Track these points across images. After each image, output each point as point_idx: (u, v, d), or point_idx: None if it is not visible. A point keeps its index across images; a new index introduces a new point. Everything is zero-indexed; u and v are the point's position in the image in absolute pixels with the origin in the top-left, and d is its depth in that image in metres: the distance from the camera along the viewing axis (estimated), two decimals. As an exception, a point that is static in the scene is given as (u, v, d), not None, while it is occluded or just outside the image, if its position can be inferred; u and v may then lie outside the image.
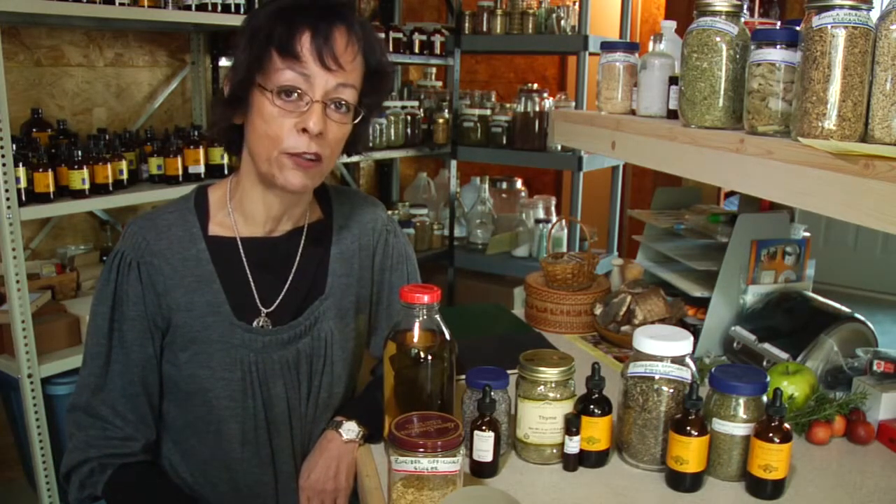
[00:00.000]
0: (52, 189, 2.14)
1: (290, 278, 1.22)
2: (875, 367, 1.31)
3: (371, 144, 3.33)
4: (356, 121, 1.16)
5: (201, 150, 2.55)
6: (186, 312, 1.16)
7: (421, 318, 1.10)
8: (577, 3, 3.31)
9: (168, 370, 1.19)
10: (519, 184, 3.94)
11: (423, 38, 3.71)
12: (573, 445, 1.14)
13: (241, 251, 1.20)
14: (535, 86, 3.57)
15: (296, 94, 1.08)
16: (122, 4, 2.28)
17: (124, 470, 1.16)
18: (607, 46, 1.62)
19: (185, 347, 1.16)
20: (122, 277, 1.15)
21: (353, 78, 1.12)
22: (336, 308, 1.25)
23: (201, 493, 1.22)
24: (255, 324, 1.19)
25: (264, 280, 1.21)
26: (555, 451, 1.16)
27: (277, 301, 1.21)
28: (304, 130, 1.08)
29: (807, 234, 1.68)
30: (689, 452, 1.08)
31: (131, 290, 1.15)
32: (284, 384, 1.21)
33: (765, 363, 1.42)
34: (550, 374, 1.14)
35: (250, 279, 1.20)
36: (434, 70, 4.09)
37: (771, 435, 1.06)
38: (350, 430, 1.21)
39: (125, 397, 1.16)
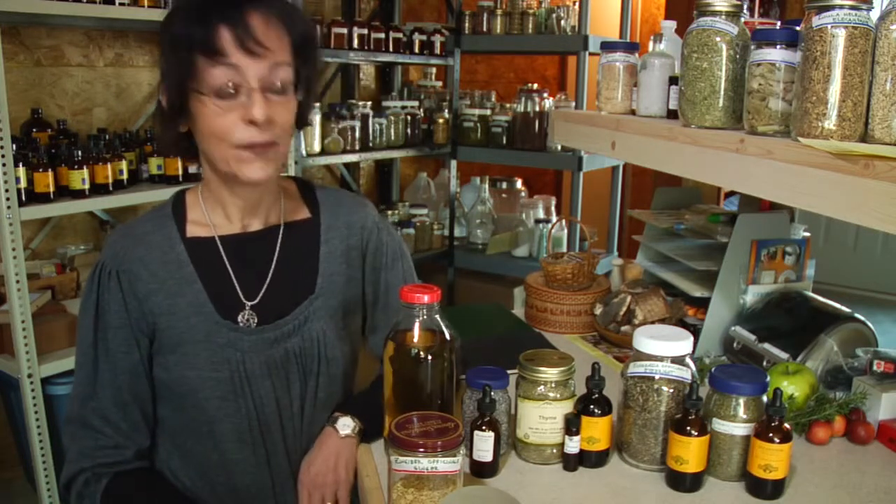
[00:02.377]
0: (52, 189, 2.14)
1: (272, 272, 1.22)
2: (875, 367, 1.31)
3: (371, 144, 3.33)
4: (298, 96, 1.14)
5: (201, 150, 2.54)
6: (169, 316, 1.16)
7: (421, 318, 1.10)
8: (577, 3, 3.31)
9: (159, 374, 1.19)
10: (519, 184, 3.94)
11: (423, 38, 3.71)
12: (573, 445, 1.14)
13: (220, 248, 1.20)
14: (535, 86, 3.57)
15: (232, 89, 1.08)
16: (122, 4, 2.28)
17: (120, 478, 1.16)
18: (607, 46, 1.62)
19: (172, 350, 1.17)
20: (102, 287, 1.16)
21: (282, 56, 1.10)
22: (327, 308, 1.25)
23: (200, 495, 1.22)
24: (240, 318, 1.19)
25: (245, 274, 1.21)
26: (555, 451, 1.16)
27: (260, 294, 1.21)
28: (252, 122, 1.08)
29: (807, 234, 1.68)
30: (689, 452, 1.08)
31: (112, 299, 1.15)
32: (272, 384, 1.20)
33: (765, 363, 1.42)
34: (550, 374, 1.14)
35: (231, 274, 1.20)
36: (434, 70, 4.09)
37: (771, 435, 1.06)
38: (345, 425, 1.22)
39: (115, 406, 1.16)
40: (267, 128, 1.09)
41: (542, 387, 1.15)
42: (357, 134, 3.22)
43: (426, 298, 1.09)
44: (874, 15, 0.94)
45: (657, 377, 1.13)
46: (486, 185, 3.73)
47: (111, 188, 2.30)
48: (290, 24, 1.12)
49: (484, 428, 1.10)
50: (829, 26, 0.94)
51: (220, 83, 1.07)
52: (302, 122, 1.23)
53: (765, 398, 1.11)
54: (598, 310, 1.74)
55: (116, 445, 1.16)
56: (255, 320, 1.20)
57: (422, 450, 0.95)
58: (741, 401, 1.11)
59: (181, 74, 1.09)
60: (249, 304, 1.20)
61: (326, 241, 1.27)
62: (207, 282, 1.18)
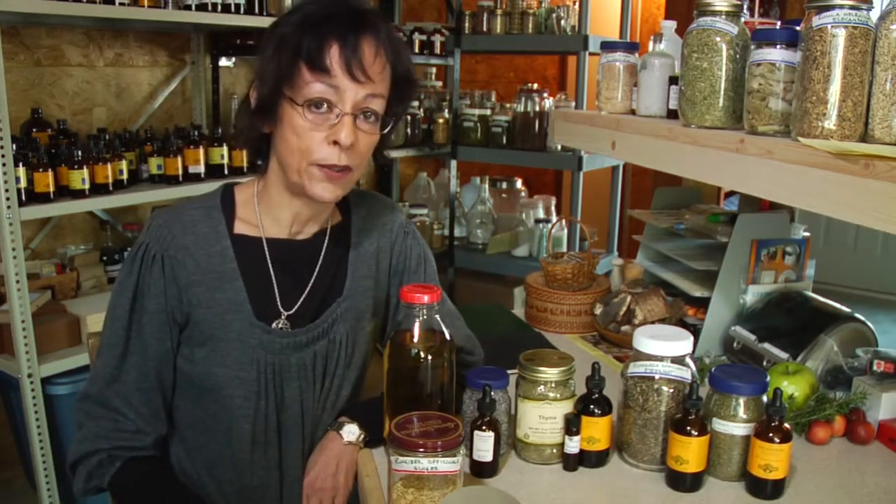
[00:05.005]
0: (52, 189, 2.14)
1: (312, 282, 1.23)
2: (875, 367, 1.31)
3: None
4: (385, 131, 1.16)
5: (201, 150, 2.54)
6: (206, 309, 1.16)
7: (421, 318, 1.10)
8: (577, 3, 3.31)
9: (182, 365, 1.19)
10: (519, 184, 3.94)
11: (423, 38, 3.71)
12: (573, 445, 1.14)
13: (266, 251, 1.20)
14: (535, 86, 3.56)
15: (325, 106, 1.09)
16: (122, 4, 2.28)
17: (133, 464, 1.16)
18: (607, 46, 1.62)
19: (202, 344, 1.17)
20: (144, 270, 1.15)
21: (381, 88, 1.12)
22: (353, 310, 1.25)
23: (206, 491, 1.22)
24: (274, 325, 1.19)
25: (286, 282, 1.21)
26: (555, 451, 1.16)
27: (298, 304, 1.22)
28: (335, 143, 1.09)
29: (807, 234, 1.68)
30: (689, 452, 1.08)
31: (153, 283, 1.15)
32: (300, 386, 1.21)
33: (765, 363, 1.42)
34: (550, 374, 1.14)
35: (273, 280, 1.20)
36: (434, 70, 4.08)
37: (771, 435, 1.06)
38: (351, 432, 1.21)
39: (139, 390, 1.16)
40: (347, 152, 1.10)
41: (542, 387, 1.15)
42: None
43: (426, 298, 1.09)
44: (874, 15, 0.94)
45: (657, 377, 1.13)
46: (486, 185, 3.73)
47: (111, 188, 2.29)
48: (396, 60, 1.14)
49: (484, 428, 1.10)
50: (829, 26, 0.94)
51: (316, 97, 1.08)
52: (379, 154, 1.24)
53: (765, 398, 1.11)
54: (598, 310, 1.74)
55: (137, 430, 1.16)
56: (289, 325, 1.20)
57: (422, 450, 0.95)
58: (741, 401, 1.11)
59: (280, 77, 1.09)
60: (286, 313, 1.20)
61: (357, 244, 1.28)
62: (248, 281, 1.18)
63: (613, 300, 1.73)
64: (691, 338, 1.15)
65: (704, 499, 1.10)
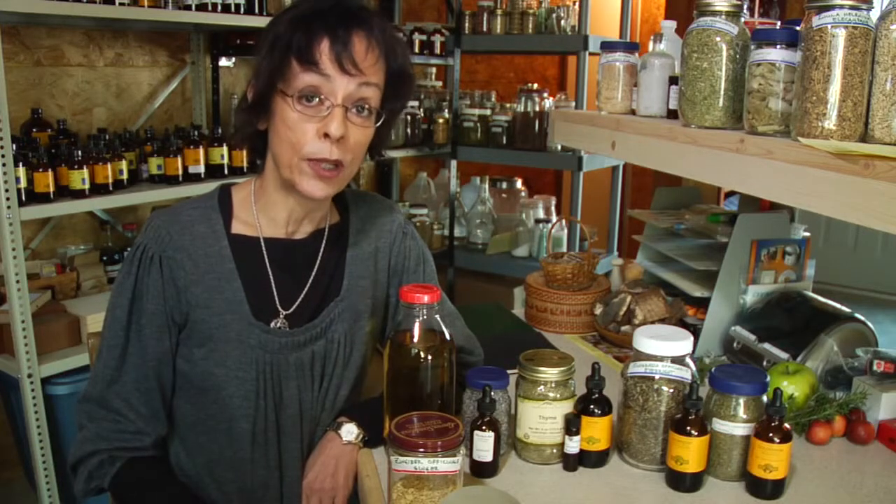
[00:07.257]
0: (52, 189, 2.14)
1: (310, 281, 1.23)
2: (875, 367, 1.31)
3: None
4: (378, 124, 1.16)
5: (201, 150, 2.54)
6: (205, 309, 1.16)
7: (421, 318, 1.10)
8: (577, 3, 3.31)
9: (181, 365, 1.19)
10: (519, 184, 3.94)
11: (423, 38, 3.70)
12: (573, 445, 1.14)
13: (264, 251, 1.21)
14: (535, 86, 3.57)
15: (317, 99, 1.09)
16: (122, 4, 2.28)
17: (133, 464, 1.16)
18: (607, 46, 1.62)
19: (201, 344, 1.17)
20: (143, 271, 1.15)
21: (374, 79, 1.12)
22: (351, 310, 1.25)
23: (206, 491, 1.22)
24: (272, 325, 1.19)
25: (285, 281, 1.21)
26: (555, 451, 1.16)
27: (296, 303, 1.22)
28: (326, 135, 1.09)
29: (807, 234, 1.68)
30: (689, 452, 1.08)
31: (152, 284, 1.15)
32: (298, 386, 1.21)
33: (765, 363, 1.42)
34: (550, 374, 1.14)
35: (271, 280, 1.20)
36: (434, 70, 4.08)
37: (771, 435, 1.06)
38: (349, 432, 1.22)
39: (139, 391, 1.16)
40: (338, 146, 1.10)
41: (542, 387, 1.15)
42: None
43: (426, 298, 1.10)
44: (874, 15, 0.94)
45: (657, 377, 1.13)
46: (486, 185, 3.73)
47: (111, 188, 2.29)
48: (391, 55, 1.14)
49: (484, 428, 1.10)
50: (829, 26, 0.94)
51: (307, 89, 1.08)
52: (376, 152, 1.24)
53: (765, 398, 1.11)
54: (598, 310, 1.74)
55: (137, 431, 1.16)
56: (287, 325, 1.20)
57: (422, 450, 0.95)
58: (741, 401, 1.11)
59: (273, 73, 1.10)
60: (284, 312, 1.21)
61: (355, 244, 1.28)
62: (246, 281, 1.18)
63: (613, 300, 1.73)
64: (691, 338, 1.15)
65: (704, 499, 1.10)
